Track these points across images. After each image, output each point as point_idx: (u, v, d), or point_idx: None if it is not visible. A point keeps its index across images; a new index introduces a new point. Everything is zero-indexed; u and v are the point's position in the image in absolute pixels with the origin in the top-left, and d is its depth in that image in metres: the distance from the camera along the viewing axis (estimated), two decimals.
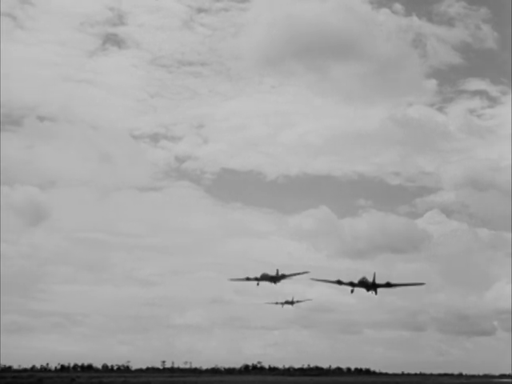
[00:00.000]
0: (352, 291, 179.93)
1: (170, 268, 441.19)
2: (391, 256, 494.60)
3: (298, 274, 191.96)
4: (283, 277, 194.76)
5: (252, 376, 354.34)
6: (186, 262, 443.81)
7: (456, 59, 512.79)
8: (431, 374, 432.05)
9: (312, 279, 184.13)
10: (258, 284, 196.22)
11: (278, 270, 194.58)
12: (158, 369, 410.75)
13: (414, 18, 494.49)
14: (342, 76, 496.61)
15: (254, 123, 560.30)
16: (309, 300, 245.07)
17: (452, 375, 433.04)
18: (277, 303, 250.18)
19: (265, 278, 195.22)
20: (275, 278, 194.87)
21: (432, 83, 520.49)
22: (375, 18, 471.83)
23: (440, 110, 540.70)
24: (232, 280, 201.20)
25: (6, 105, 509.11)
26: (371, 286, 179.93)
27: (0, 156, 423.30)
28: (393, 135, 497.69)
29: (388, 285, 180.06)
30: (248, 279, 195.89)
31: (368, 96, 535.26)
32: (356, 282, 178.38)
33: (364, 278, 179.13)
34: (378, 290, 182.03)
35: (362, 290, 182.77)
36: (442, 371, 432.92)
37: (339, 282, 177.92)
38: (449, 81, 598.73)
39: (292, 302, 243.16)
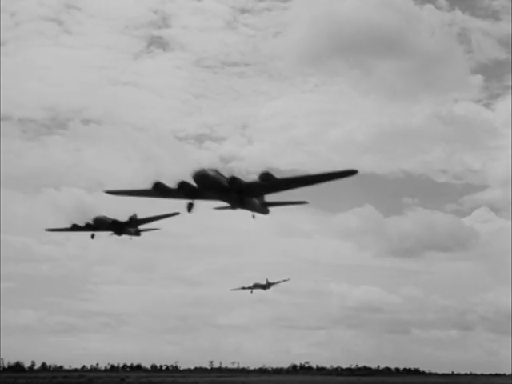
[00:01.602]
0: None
1: (216, 268, 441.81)
2: (438, 254, 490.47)
3: (157, 218, 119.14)
4: (136, 223, 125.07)
5: (300, 376, 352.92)
6: (231, 262, 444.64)
7: (502, 54, 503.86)
8: (481, 374, 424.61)
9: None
10: (92, 236, 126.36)
11: (135, 215, 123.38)
12: (205, 369, 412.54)
13: (458, 13, 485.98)
14: (385, 73, 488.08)
15: (298, 122, 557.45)
16: (286, 280, 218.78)
17: (504, 375, 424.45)
18: (244, 288, 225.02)
19: (102, 223, 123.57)
20: (121, 225, 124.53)
21: (478, 79, 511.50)
22: (418, 14, 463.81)
23: (486, 106, 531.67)
24: (48, 230, 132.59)
25: (53, 108, 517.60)
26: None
27: (46, 159, 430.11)
28: (438, 132, 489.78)
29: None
30: (74, 227, 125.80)
31: (412, 93, 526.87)
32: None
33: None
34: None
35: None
36: (492, 371, 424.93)
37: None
38: (495, 76, 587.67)
39: (264, 286, 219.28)
